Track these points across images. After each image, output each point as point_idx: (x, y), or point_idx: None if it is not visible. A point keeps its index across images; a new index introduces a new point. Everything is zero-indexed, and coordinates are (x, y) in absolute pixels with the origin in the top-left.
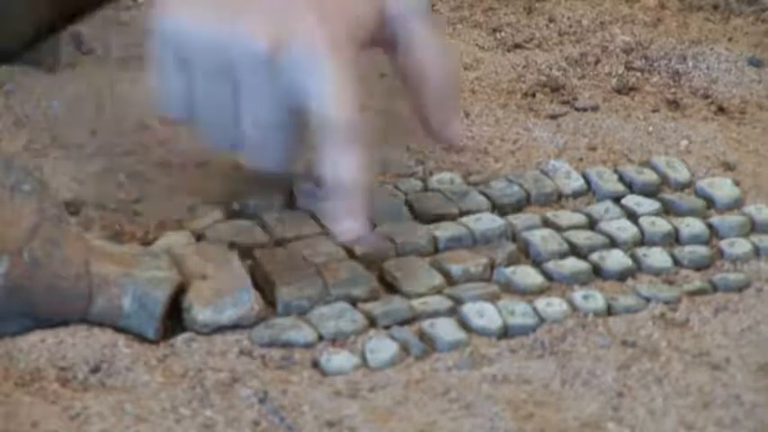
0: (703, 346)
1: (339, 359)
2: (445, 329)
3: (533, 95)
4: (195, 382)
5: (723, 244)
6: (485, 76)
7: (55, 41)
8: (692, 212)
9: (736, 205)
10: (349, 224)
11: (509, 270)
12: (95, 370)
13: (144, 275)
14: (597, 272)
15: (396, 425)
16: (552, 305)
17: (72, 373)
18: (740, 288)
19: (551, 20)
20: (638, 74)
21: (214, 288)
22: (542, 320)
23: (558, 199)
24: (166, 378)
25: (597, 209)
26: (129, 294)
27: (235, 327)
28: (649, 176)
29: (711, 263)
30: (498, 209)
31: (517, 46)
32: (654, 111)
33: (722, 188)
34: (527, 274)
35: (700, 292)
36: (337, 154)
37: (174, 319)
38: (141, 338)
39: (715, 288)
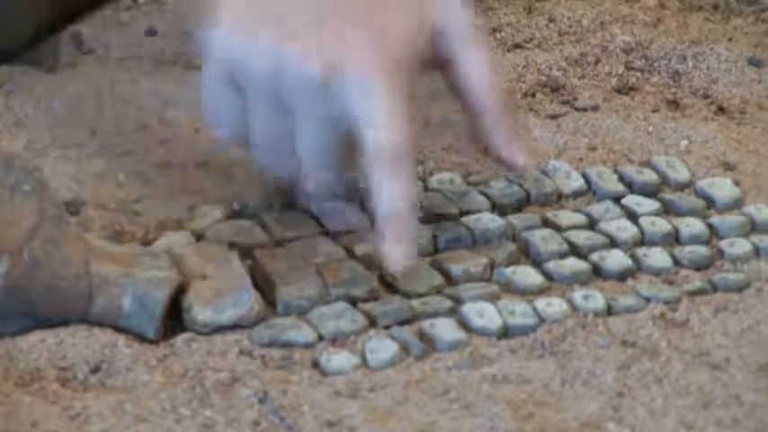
0: (703, 346)
1: (339, 359)
2: (445, 329)
3: (533, 95)
4: (195, 382)
5: (723, 244)
6: None
7: (55, 41)
8: (691, 212)
9: (736, 205)
10: (397, 253)
11: (509, 270)
12: (95, 370)
13: (144, 275)
14: (597, 272)
15: (396, 425)
16: (552, 305)
17: (72, 373)
18: (740, 288)
19: (551, 20)
20: (638, 74)
21: (214, 288)
22: (542, 320)
23: (558, 199)
24: (166, 378)
25: (597, 209)
26: (129, 294)
27: (235, 327)
28: (649, 176)
29: (711, 263)
30: (498, 209)
31: (517, 46)
32: (654, 111)
33: (722, 188)
34: (527, 274)
35: (700, 292)
36: (387, 180)
37: (174, 319)
38: (141, 338)
39: (715, 288)
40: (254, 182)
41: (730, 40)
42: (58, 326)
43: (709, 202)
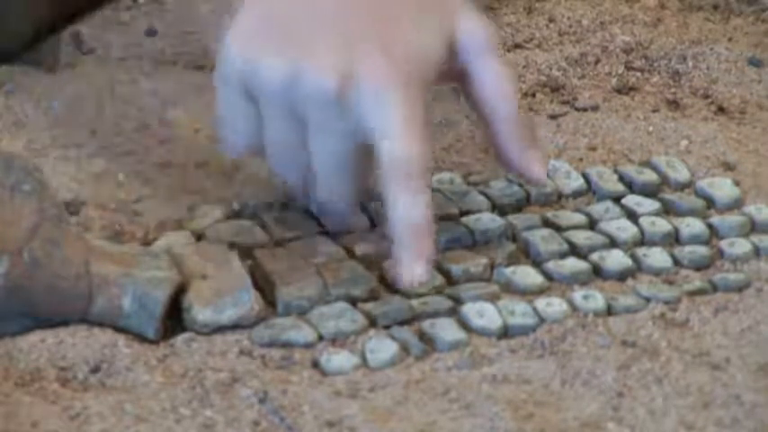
0: (703, 346)
1: (339, 359)
2: (445, 329)
3: (533, 95)
4: (195, 382)
5: (723, 244)
6: None
7: (55, 41)
8: (692, 212)
9: (736, 205)
10: (413, 271)
11: (509, 270)
12: (95, 370)
13: (144, 275)
14: (597, 272)
15: (396, 425)
16: (552, 305)
17: (72, 373)
18: (740, 288)
19: (551, 20)
20: (638, 74)
21: (214, 288)
22: (542, 320)
23: (558, 199)
24: (166, 378)
25: (597, 209)
26: (129, 294)
27: (235, 327)
28: (649, 176)
29: (711, 263)
30: (498, 209)
31: (517, 46)
32: (654, 111)
33: (722, 188)
34: (527, 274)
35: (700, 292)
36: (403, 193)
37: (174, 319)
38: (141, 338)
39: (715, 288)
40: (254, 182)
41: (730, 40)
42: (58, 326)
43: (710, 202)
